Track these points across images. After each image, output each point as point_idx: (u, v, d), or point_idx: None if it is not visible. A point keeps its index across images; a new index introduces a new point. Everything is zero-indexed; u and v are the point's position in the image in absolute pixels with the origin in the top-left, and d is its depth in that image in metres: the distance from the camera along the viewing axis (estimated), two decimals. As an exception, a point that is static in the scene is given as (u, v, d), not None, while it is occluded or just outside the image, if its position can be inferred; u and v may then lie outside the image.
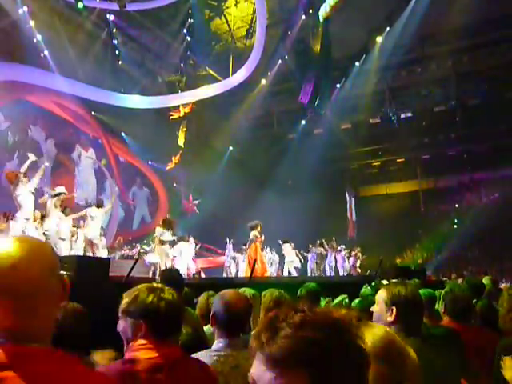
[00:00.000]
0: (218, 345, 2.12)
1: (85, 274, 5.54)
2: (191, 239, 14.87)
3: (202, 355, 2.06)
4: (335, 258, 16.07)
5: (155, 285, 1.70)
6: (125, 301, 1.63)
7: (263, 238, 11.99)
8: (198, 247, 15.48)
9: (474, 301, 3.66)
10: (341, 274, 15.57)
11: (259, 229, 11.84)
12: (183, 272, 13.35)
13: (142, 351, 1.53)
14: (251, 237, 11.76)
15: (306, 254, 15.56)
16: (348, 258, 16.35)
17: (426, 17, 16.57)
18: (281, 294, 3.03)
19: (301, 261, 14.49)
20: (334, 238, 16.40)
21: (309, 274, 14.92)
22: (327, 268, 15.84)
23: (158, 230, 11.10)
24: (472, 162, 19.48)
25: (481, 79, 18.57)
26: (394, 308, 2.15)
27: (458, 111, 19.41)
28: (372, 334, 1.22)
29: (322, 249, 15.84)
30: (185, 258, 14.10)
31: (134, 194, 21.52)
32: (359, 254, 16.72)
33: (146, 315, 1.57)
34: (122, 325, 1.61)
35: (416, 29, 17.10)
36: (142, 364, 1.45)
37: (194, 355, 2.03)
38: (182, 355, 1.66)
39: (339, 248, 16.36)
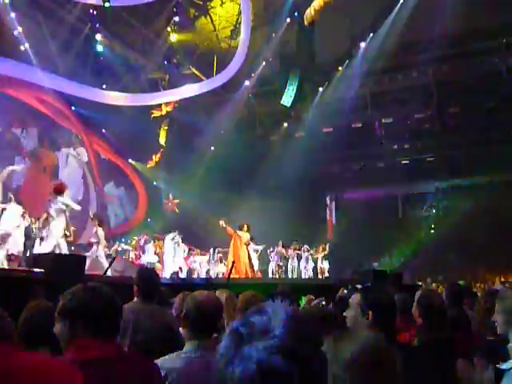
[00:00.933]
0: (188, 346, 2.12)
1: (60, 272, 5.47)
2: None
3: (172, 357, 2.05)
4: (298, 259, 15.91)
5: (92, 284, 1.69)
6: (61, 302, 1.62)
7: (247, 238, 12.03)
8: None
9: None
10: (303, 275, 15.48)
11: (245, 229, 11.94)
12: (174, 271, 13.43)
13: (80, 351, 1.51)
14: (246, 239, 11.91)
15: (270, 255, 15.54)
16: (311, 259, 16.20)
17: (409, 25, 16.82)
18: (253, 295, 3.02)
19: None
20: (296, 240, 16.30)
21: (270, 276, 14.85)
22: (289, 269, 15.67)
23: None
24: (449, 168, 19.83)
25: (460, 88, 18.91)
26: (370, 312, 2.18)
27: (437, 118, 19.75)
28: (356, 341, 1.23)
29: (284, 250, 15.63)
30: (177, 257, 14.25)
31: (111, 192, 21.25)
32: (323, 254, 16.32)
33: (84, 315, 1.55)
34: (59, 326, 1.59)
35: (399, 36, 17.34)
36: (81, 364, 1.44)
37: (165, 357, 2.03)
38: (120, 354, 1.65)
39: (303, 249, 16.17)
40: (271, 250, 15.57)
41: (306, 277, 15.28)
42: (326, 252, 16.41)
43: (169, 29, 18.83)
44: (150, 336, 2.33)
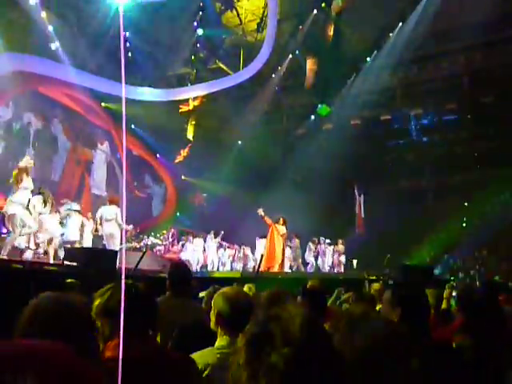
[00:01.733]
0: (221, 342, 2.13)
1: (92, 265, 5.58)
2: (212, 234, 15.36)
3: (206, 353, 2.06)
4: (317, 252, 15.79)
5: (128, 283, 1.70)
6: (98, 302, 1.63)
7: (284, 232, 12.11)
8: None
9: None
10: (322, 269, 15.33)
11: (281, 222, 12.03)
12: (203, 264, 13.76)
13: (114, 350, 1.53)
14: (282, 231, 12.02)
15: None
16: (332, 252, 16.02)
17: (439, 13, 16.39)
18: (278, 292, 2.92)
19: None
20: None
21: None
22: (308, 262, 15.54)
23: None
24: (482, 160, 19.29)
25: (494, 77, 18.34)
26: (399, 309, 2.14)
27: (469, 109, 19.21)
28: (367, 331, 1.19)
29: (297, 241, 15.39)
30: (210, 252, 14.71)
31: (141, 187, 21.62)
32: (341, 247, 16.22)
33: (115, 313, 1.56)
34: (98, 325, 1.61)
35: (428, 25, 16.92)
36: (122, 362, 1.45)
37: (198, 353, 2.04)
38: (159, 351, 1.66)
39: (321, 241, 16.04)
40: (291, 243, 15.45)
41: (325, 271, 15.20)
42: (344, 246, 16.33)
43: (195, 23, 18.90)
44: (182, 331, 2.35)
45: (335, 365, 0.69)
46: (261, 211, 12.06)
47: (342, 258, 16.21)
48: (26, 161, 7.28)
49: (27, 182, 7.14)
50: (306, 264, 15.39)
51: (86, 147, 19.10)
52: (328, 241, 16.28)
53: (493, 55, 18.46)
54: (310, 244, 15.64)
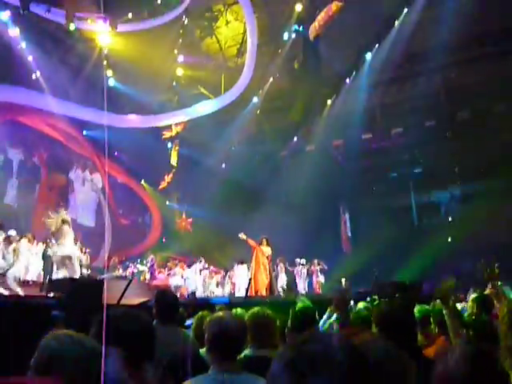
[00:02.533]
0: (213, 369, 2.09)
1: (77, 296, 5.47)
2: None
3: (199, 380, 2.02)
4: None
5: (128, 311, 1.67)
6: (95, 330, 1.60)
7: (269, 253, 11.96)
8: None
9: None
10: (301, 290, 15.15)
11: (264, 243, 11.89)
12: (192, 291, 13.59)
13: None
14: (266, 252, 11.88)
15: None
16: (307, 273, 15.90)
17: (414, 34, 16.85)
18: (261, 314, 2.75)
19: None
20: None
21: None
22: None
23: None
24: (463, 175, 19.62)
25: (469, 94, 18.81)
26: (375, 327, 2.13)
27: (447, 125, 19.62)
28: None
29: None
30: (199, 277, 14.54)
31: (126, 214, 21.40)
32: (319, 268, 16.06)
33: (123, 343, 1.53)
34: None
35: (404, 46, 17.37)
36: None
37: (191, 380, 2.00)
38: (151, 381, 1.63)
39: (296, 263, 15.94)
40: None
41: (303, 292, 15.04)
42: (321, 266, 16.26)
43: (175, 51, 19.11)
44: (172, 359, 2.30)
45: None
46: (242, 235, 12.00)
47: (321, 278, 16.16)
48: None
49: None
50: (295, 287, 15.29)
51: (63, 175, 18.86)
52: (303, 261, 16.18)
53: (467, 73, 18.97)
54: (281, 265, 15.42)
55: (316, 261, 16.29)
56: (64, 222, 9.01)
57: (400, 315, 2.11)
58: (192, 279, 15.16)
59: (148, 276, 15.80)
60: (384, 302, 2.16)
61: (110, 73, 18.00)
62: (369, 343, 1.22)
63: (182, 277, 15.10)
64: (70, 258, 8.99)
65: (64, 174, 18.91)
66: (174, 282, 14.64)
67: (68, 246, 8.96)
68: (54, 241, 9.28)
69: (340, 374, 0.62)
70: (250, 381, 2.08)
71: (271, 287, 11.79)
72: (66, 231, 8.93)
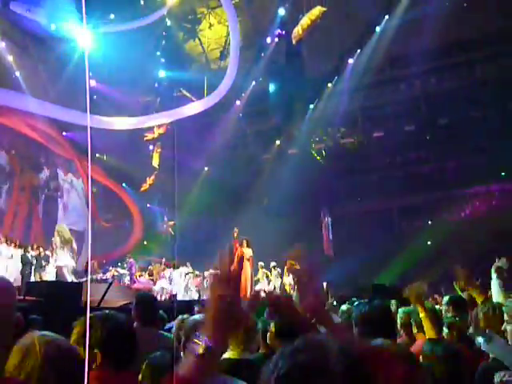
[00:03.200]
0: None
1: (55, 299, 5.39)
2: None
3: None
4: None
5: (107, 313, 1.64)
6: (77, 331, 1.55)
7: (251, 254, 11.79)
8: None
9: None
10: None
11: (245, 245, 11.70)
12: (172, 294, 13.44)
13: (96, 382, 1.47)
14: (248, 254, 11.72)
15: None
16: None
17: (394, 39, 17.12)
18: None
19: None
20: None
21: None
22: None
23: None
24: (443, 179, 19.92)
25: (448, 99, 19.14)
26: (357, 329, 2.14)
27: (427, 130, 19.92)
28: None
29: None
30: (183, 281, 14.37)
31: (106, 216, 21.14)
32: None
33: (103, 346, 1.51)
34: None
35: (385, 51, 17.63)
36: None
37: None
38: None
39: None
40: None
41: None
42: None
43: (158, 53, 19.03)
44: (151, 362, 2.28)
45: None
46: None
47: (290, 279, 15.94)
48: None
49: None
50: None
51: (35, 175, 18.49)
52: (273, 263, 15.92)
53: (446, 79, 19.33)
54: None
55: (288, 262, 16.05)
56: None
57: (378, 315, 2.12)
58: (177, 282, 15.01)
59: (127, 279, 15.64)
60: (363, 303, 2.17)
61: (91, 73, 17.79)
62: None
63: (169, 279, 14.95)
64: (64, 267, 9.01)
65: (36, 174, 18.55)
66: (161, 284, 14.52)
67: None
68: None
69: None
70: (229, 383, 2.07)
71: (250, 289, 11.62)
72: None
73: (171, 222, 21.31)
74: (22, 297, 6.83)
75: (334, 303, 5.34)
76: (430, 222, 21.53)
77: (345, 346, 0.68)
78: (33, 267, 11.47)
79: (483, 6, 16.37)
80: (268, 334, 3.08)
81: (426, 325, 2.96)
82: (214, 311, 0.86)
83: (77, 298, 5.31)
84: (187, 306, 7.30)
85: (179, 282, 15.08)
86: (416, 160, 20.38)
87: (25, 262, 11.28)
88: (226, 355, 2.51)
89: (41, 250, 12.49)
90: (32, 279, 10.87)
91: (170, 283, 14.78)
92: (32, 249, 12.32)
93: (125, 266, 16.63)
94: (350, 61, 18.62)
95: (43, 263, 11.64)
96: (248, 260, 11.72)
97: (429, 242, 20.71)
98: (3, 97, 15.26)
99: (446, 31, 16.12)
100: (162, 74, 19.84)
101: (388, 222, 21.65)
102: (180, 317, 3.69)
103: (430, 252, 18.97)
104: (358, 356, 0.65)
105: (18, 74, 15.50)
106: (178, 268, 15.41)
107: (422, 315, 3.00)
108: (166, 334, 3.45)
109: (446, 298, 4.18)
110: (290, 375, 0.61)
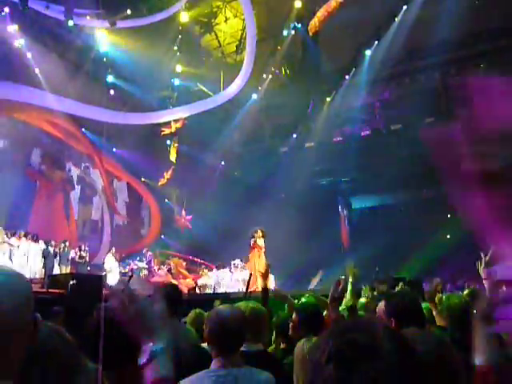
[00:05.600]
0: (216, 364, 2.08)
1: (77, 292, 5.47)
2: None
3: (200, 376, 2.01)
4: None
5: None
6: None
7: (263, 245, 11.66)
8: None
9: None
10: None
11: (260, 235, 11.61)
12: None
13: None
14: (251, 244, 11.61)
15: None
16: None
17: (413, 30, 16.85)
18: (257, 309, 2.77)
19: None
20: None
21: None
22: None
23: None
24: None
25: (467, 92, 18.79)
26: (392, 320, 2.11)
27: (446, 122, 19.60)
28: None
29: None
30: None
31: (125, 211, 21.36)
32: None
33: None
34: None
35: (403, 42, 17.35)
36: None
37: (193, 376, 1.99)
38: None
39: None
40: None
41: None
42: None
43: (175, 47, 19.07)
44: (176, 353, 2.29)
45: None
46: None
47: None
48: None
49: None
50: None
51: (62, 172, 18.71)
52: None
53: (466, 70, 18.96)
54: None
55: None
56: None
57: (411, 306, 2.11)
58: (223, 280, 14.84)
59: (146, 272, 15.81)
60: (396, 293, 2.14)
61: (109, 69, 17.95)
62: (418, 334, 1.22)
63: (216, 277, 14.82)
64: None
65: (62, 171, 18.80)
66: (202, 281, 14.72)
67: None
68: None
69: (389, 365, 0.60)
70: (254, 374, 2.07)
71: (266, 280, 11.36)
72: None
73: (189, 217, 21.44)
74: (45, 289, 6.96)
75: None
76: (449, 216, 21.24)
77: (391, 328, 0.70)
78: (55, 260, 11.69)
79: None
80: (290, 325, 3.10)
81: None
82: None
83: (98, 290, 5.37)
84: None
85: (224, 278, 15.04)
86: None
87: (46, 255, 11.49)
88: (243, 348, 2.51)
89: (66, 244, 12.76)
90: (56, 272, 11.08)
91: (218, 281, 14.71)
92: (55, 243, 12.59)
93: (143, 259, 16.81)
94: (368, 52, 18.37)
95: (67, 257, 11.87)
96: (260, 249, 11.58)
97: (448, 236, 20.46)
98: (23, 93, 15.48)
99: (465, 21, 15.81)
100: (178, 68, 19.88)
101: (406, 215, 21.43)
102: (193, 311, 3.74)
103: (449, 246, 18.75)
104: (403, 337, 0.66)
105: (37, 70, 15.68)
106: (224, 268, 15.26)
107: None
108: (187, 325, 3.48)
109: (466, 291, 4.16)
110: (342, 352, 0.62)
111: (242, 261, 14.57)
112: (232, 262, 15.17)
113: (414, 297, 2.23)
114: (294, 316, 3.11)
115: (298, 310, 3.15)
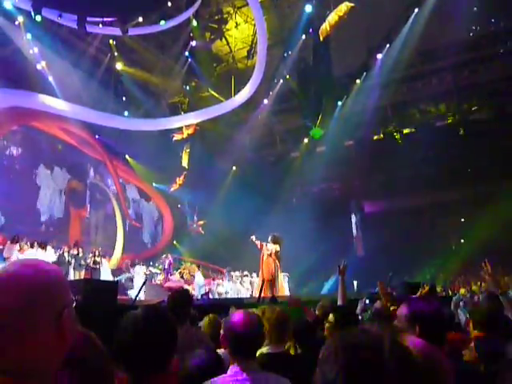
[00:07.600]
0: (232, 369, 2.07)
1: (92, 298, 5.49)
2: None
3: (218, 382, 2.00)
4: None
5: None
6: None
7: (271, 250, 11.58)
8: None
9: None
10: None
11: (270, 240, 11.56)
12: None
13: None
14: (270, 250, 11.52)
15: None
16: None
17: (425, 33, 16.75)
18: (281, 312, 2.81)
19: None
20: None
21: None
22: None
23: None
24: (475, 176, 19.38)
25: (482, 93, 18.62)
26: (417, 326, 2.07)
27: (460, 125, 19.42)
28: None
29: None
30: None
31: (138, 217, 21.45)
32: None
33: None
34: None
35: (415, 45, 17.27)
36: None
37: (209, 382, 1.98)
38: None
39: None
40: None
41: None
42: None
43: (186, 53, 19.19)
44: (189, 357, 2.29)
45: None
46: (253, 238, 11.80)
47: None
48: None
49: None
50: None
51: (78, 180, 18.89)
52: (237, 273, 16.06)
53: (478, 72, 18.80)
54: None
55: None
56: None
57: (443, 315, 2.09)
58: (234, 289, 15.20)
59: (162, 276, 15.85)
60: (420, 301, 2.11)
61: (121, 76, 18.12)
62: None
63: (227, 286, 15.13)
64: None
65: (81, 180, 18.92)
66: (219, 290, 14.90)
67: None
68: None
69: (395, 382, 0.64)
70: (272, 380, 2.06)
71: (275, 286, 11.23)
72: None
73: (201, 222, 21.48)
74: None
75: (367, 301, 5.24)
76: (462, 220, 21.01)
77: (397, 342, 0.72)
78: (70, 266, 11.79)
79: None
80: (326, 325, 3.14)
81: None
82: None
83: (113, 296, 5.39)
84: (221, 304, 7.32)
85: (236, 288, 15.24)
86: (447, 156, 19.87)
87: (61, 261, 11.58)
88: (263, 349, 2.51)
89: (80, 250, 12.86)
90: (71, 278, 11.16)
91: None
92: (69, 249, 12.70)
93: (157, 264, 16.86)
94: (379, 56, 18.31)
95: (82, 262, 11.97)
96: (270, 256, 11.44)
97: (462, 240, 20.23)
98: (37, 101, 15.65)
99: (476, 23, 15.72)
100: (189, 74, 19.98)
101: (420, 219, 21.24)
102: (206, 317, 3.75)
103: (463, 250, 18.52)
104: (408, 352, 0.70)
105: (50, 78, 15.88)
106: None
107: None
108: (201, 330, 3.47)
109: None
110: (350, 367, 0.66)
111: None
112: (232, 274, 15.62)
113: (439, 304, 2.19)
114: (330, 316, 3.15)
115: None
